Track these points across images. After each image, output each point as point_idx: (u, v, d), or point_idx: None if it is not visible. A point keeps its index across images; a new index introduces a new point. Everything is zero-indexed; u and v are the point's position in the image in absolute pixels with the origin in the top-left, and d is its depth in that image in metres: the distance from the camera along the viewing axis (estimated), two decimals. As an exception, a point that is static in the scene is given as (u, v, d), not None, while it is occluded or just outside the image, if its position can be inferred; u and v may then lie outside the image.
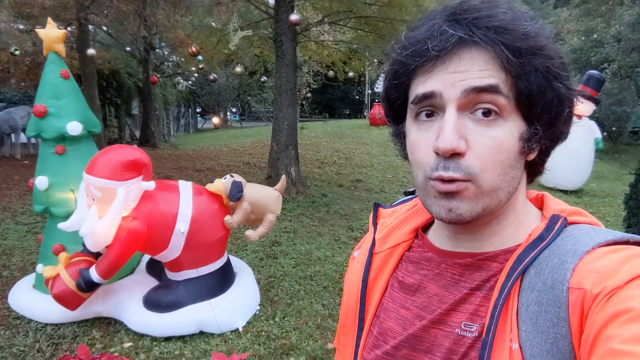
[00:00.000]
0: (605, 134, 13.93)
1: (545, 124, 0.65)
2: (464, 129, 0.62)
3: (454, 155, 0.61)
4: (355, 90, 28.75)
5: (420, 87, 0.65)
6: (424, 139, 0.65)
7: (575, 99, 0.66)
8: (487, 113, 0.62)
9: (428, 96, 0.64)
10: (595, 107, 8.70)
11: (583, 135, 8.65)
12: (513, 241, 0.69)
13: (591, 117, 8.87)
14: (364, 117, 25.36)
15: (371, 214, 0.90)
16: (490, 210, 0.65)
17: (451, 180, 0.62)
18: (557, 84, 0.63)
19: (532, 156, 0.68)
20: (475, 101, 0.62)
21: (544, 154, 0.70)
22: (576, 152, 8.41)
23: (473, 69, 0.61)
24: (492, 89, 0.61)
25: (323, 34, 12.40)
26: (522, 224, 0.70)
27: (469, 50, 0.62)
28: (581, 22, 19.35)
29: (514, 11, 0.63)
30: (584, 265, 0.58)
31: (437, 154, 0.63)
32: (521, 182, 0.69)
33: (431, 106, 0.65)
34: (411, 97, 0.67)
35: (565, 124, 0.67)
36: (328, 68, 13.84)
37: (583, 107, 8.42)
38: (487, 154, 0.61)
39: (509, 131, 0.63)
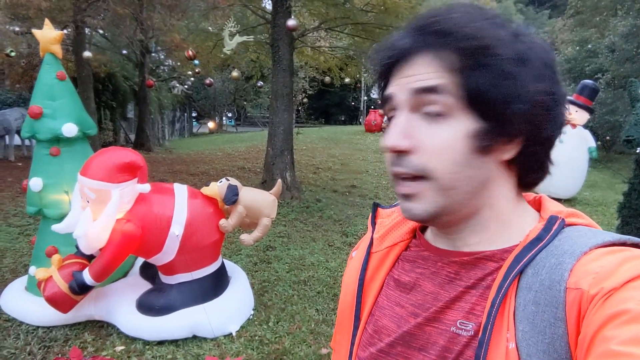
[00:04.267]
0: (599, 143, 14.02)
1: (498, 122, 0.64)
2: (411, 128, 0.66)
3: (402, 153, 0.66)
4: (351, 96, 28.84)
5: (385, 90, 0.72)
6: None
7: (546, 95, 0.64)
8: (432, 112, 0.65)
9: (387, 99, 0.70)
10: (589, 117, 8.76)
11: (577, 144, 8.70)
12: (508, 241, 0.69)
13: (585, 126, 8.93)
14: (360, 123, 25.43)
15: (370, 214, 0.91)
16: (450, 210, 0.67)
17: (407, 180, 0.67)
18: (505, 81, 0.62)
19: (506, 155, 0.67)
20: (422, 102, 0.65)
21: (528, 154, 0.68)
22: (570, 161, 8.45)
23: (420, 72, 0.66)
24: (433, 90, 0.64)
25: (320, 40, 12.44)
26: (511, 224, 0.70)
27: (419, 56, 0.66)
28: (575, 32, 19.53)
29: (469, 14, 0.65)
30: (581, 266, 0.58)
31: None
32: (495, 183, 0.68)
33: (392, 108, 0.70)
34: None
35: (532, 122, 0.65)
36: (324, 74, 13.89)
37: (577, 116, 8.49)
38: (433, 151, 0.65)
39: (453, 129, 0.64)
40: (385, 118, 0.77)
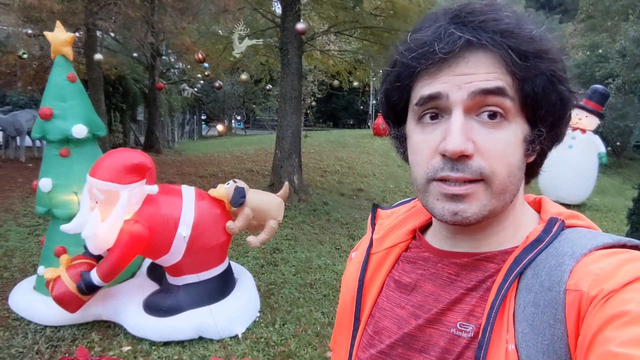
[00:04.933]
0: (609, 148, 13.91)
1: (548, 126, 0.66)
2: (470, 131, 0.62)
3: (462, 157, 0.61)
4: (360, 100, 28.78)
5: (425, 88, 0.65)
6: (427, 141, 0.65)
7: (574, 102, 0.67)
8: (492, 115, 0.62)
9: (434, 97, 0.64)
10: (599, 122, 8.69)
11: (587, 149, 8.62)
12: (511, 242, 0.69)
13: (595, 132, 8.85)
14: (368, 127, 25.40)
15: (370, 215, 0.91)
16: (496, 212, 0.66)
17: (461, 182, 0.62)
18: (560, 87, 0.64)
19: (532, 158, 0.69)
20: (482, 103, 0.62)
21: (543, 156, 0.71)
22: (580, 167, 8.38)
23: (480, 72, 0.62)
24: (498, 92, 0.61)
25: (329, 44, 12.47)
26: (519, 225, 0.71)
27: (475, 53, 0.62)
28: (586, 37, 19.41)
29: (518, 15, 0.64)
30: (581, 267, 0.58)
31: (443, 155, 0.63)
32: (521, 184, 0.70)
33: (436, 108, 0.65)
34: (415, 99, 0.67)
35: (566, 126, 0.68)
36: (333, 77, 13.90)
37: (587, 121, 8.42)
38: (495, 156, 0.62)
39: (513, 133, 0.63)
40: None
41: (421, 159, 0.66)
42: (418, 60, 0.64)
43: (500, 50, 0.61)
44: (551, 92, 0.63)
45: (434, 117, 0.65)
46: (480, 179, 0.62)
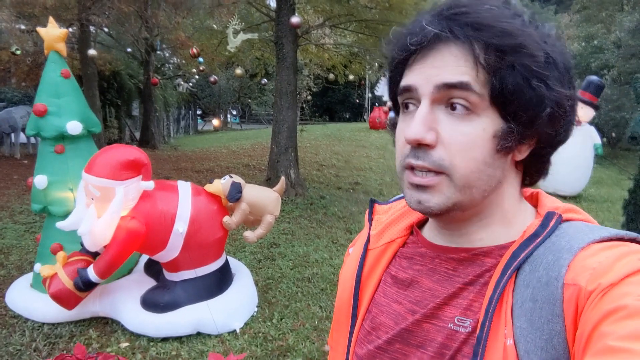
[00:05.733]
0: (604, 139, 13.96)
1: (522, 123, 0.63)
2: (435, 121, 0.63)
3: (423, 146, 0.63)
4: (356, 93, 28.74)
5: (403, 80, 0.68)
6: (403, 129, 0.68)
7: (566, 100, 0.64)
8: (460, 108, 0.63)
9: (407, 89, 0.67)
10: (594, 113, 8.71)
11: (582, 140, 8.66)
12: (506, 237, 0.69)
13: (591, 123, 8.87)
14: (364, 120, 25.39)
15: (367, 210, 0.90)
16: (463, 207, 0.66)
17: (423, 172, 0.64)
18: (537, 83, 0.61)
19: (519, 156, 0.68)
20: (448, 96, 0.63)
21: (538, 156, 0.69)
22: (575, 158, 8.41)
23: (449, 65, 0.62)
24: (462, 86, 0.61)
25: (324, 37, 12.41)
26: (513, 221, 0.70)
27: (447, 46, 0.63)
28: (581, 27, 19.43)
29: (501, 9, 0.63)
30: (578, 261, 0.58)
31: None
32: (506, 182, 0.69)
33: (411, 98, 0.67)
34: (398, 90, 0.69)
35: (550, 125, 0.65)
36: (328, 71, 13.87)
37: (582, 112, 8.44)
38: (458, 149, 0.62)
39: (481, 127, 0.63)
40: (391, 113, 0.74)
41: (398, 147, 0.69)
42: (397, 52, 0.68)
43: (469, 43, 0.61)
44: (525, 88, 0.61)
45: (411, 106, 0.68)
46: (441, 171, 0.63)
